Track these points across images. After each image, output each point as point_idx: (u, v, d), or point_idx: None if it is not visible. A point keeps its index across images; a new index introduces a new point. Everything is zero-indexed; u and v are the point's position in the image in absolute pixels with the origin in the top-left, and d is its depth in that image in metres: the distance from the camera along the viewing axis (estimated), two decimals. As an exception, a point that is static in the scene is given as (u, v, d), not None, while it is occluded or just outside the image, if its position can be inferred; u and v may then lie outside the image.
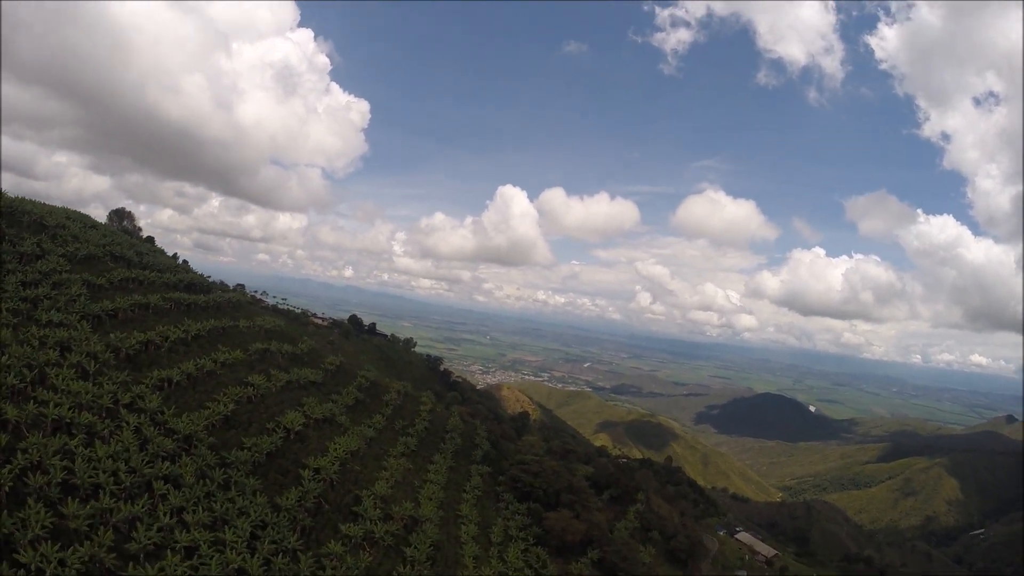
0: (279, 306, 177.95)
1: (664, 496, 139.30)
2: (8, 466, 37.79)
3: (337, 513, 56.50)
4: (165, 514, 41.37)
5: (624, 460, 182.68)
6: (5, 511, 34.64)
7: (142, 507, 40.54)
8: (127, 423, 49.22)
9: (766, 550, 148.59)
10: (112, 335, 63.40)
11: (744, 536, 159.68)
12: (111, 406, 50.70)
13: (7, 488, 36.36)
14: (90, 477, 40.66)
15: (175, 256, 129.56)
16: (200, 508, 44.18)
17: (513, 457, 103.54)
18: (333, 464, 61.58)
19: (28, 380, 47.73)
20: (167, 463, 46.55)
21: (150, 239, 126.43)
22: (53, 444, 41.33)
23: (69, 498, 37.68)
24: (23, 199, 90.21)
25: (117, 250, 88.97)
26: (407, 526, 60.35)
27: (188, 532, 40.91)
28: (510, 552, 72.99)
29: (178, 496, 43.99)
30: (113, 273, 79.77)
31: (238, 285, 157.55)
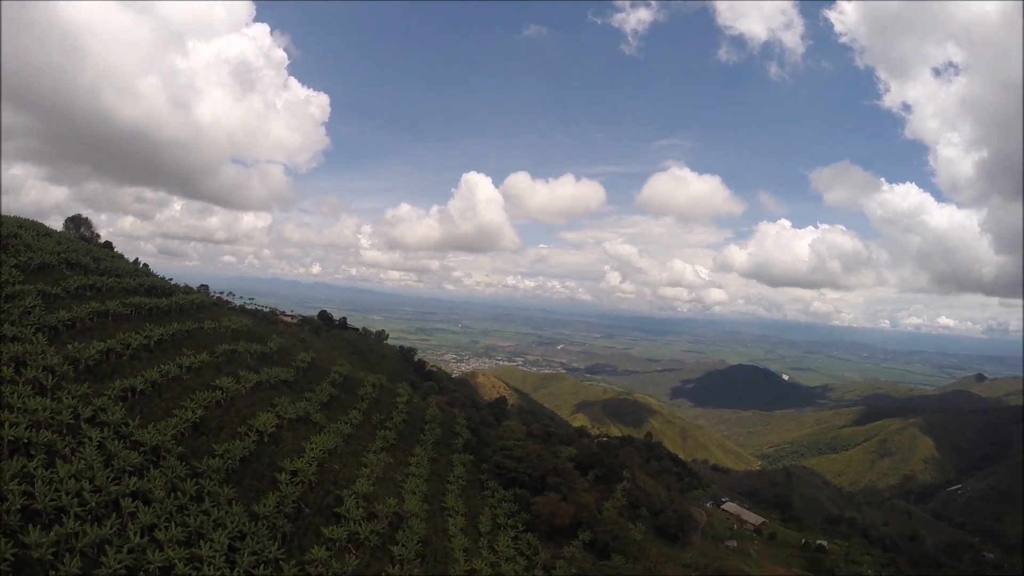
0: (246, 306, 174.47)
1: (648, 472, 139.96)
2: (-39, 494, 35.80)
3: (319, 516, 54.91)
4: (135, 533, 39.42)
5: (605, 439, 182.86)
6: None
7: (110, 528, 38.62)
8: (89, 439, 47.07)
9: (753, 518, 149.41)
10: (70, 346, 61.06)
11: (731, 506, 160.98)
12: (71, 422, 48.45)
13: (-39, 519, 34.34)
14: (52, 500, 38.61)
15: (136, 261, 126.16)
16: (173, 523, 42.31)
17: (495, 444, 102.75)
18: (310, 465, 60.01)
19: (-20, 400, 45.44)
20: (134, 478, 44.55)
21: (108, 244, 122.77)
22: (10, 467, 39.24)
23: (30, 525, 35.67)
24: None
25: (73, 257, 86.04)
26: (392, 523, 59.02)
27: (161, 551, 39.03)
28: (500, 541, 72.14)
29: (148, 513, 42.07)
30: (69, 281, 76.93)
31: (201, 286, 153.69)
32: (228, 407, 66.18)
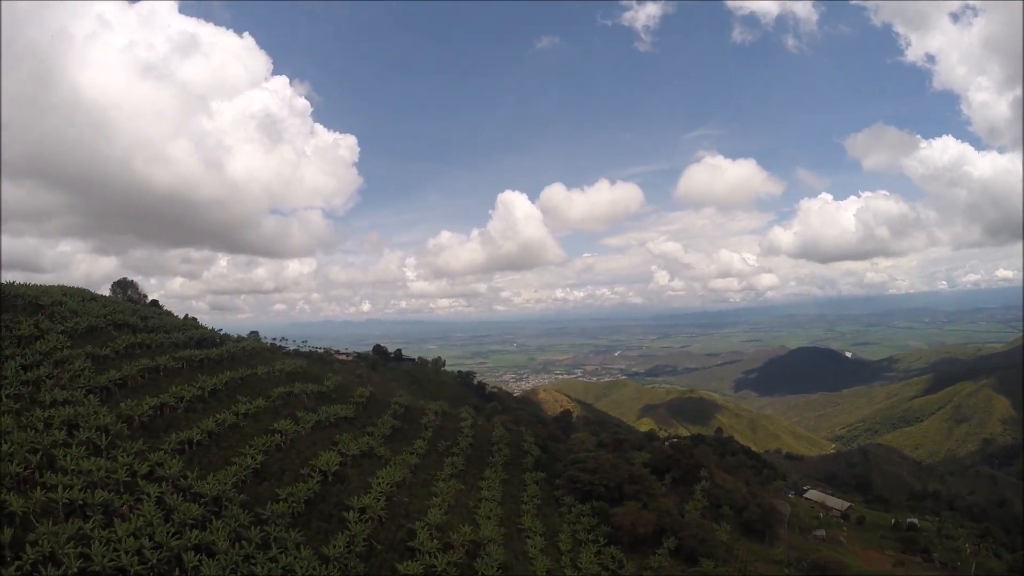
0: (300, 350, 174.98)
1: (725, 468, 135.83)
2: (17, 563, 34.29)
3: (391, 552, 52.40)
4: (200, 588, 37.52)
5: (676, 439, 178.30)
6: (15, 617, 31.12)
7: (173, 585, 36.76)
8: (147, 495, 45.61)
9: (838, 504, 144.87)
10: (123, 404, 60.35)
11: (813, 494, 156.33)
12: (128, 479, 47.20)
13: (15, 590, 32.78)
14: (111, 561, 37.00)
15: (186, 317, 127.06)
16: (239, 575, 40.31)
17: (566, 458, 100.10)
18: (378, 500, 57.87)
19: (33, 465, 44.44)
20: (196, 531, 42.77)
21: (155, 303, 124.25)
22: (66, 530, 37.73)
23: (87, 589, 34.01)
24: (14, 283, 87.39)
25: (119, 318, 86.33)
26: (470, 552, 56.23)
27: (229, 604, 37.01)
28: (582, 557, 68.90)
29: (213, 565, 40.16)
30: (117, 341, 77.06)
31: (251, 333, 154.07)
32: (289, 450, 64.67)
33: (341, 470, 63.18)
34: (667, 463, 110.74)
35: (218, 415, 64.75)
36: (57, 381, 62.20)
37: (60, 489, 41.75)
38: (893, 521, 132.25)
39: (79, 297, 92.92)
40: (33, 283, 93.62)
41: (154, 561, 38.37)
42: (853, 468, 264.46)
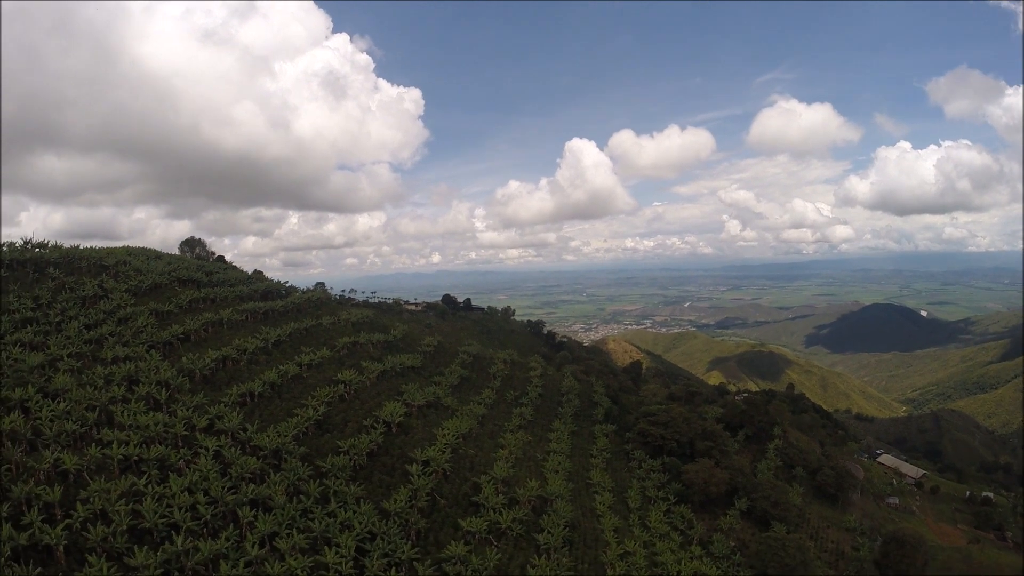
0: (369, 300, 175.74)
1: (799, 427, 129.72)
2: (66, 520, 34.01)
3: (455, 507, 51.07)
4: (254, 544, 36.75)
5: (746, 394, 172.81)
6: (61, 574, 30.72)
7: (226, 542, 36.06)
8: (205, 449, 45.34)
9: (913, 471, 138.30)
10: (184, 359, 60.37)
11: (887, 458, 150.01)
12: (186, 433, 47.06)
13: (62, 547, 32.40)
14: (163, 518, 36.60)
15: (254, 272, 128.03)
16: (295, 531, 39.47)
17: (637, 410, 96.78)
18: (443, 453, 56.56)
19: (91, 423, 44.43)
20: (253, 485, 42.19)
21: (220, 258, 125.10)
22: (119, 487, 37.50)
23: (136, 546, 33.47)
24: (78, 247, 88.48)
25: (183, 274, 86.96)
26: (536, 508, 54.54)
27: (283, 561, 36.14)
28: (651, 516, 66.60)
29: (269, 521, 39.46)
30: (180, 297, 77.42)
31: (317, 284, 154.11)
32: (352, 401, 63.97)
33: (406, 421, 62.13)
34: (740, 419, 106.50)
35: (281, 367, 64.45)
36: (119, 338, 62.63)
37: (115, 445, 41.68)
38: (968, 493, 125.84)
39: (144, 256, 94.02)
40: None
41: (208, 517, 37.83)
42: (924, 434, 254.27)
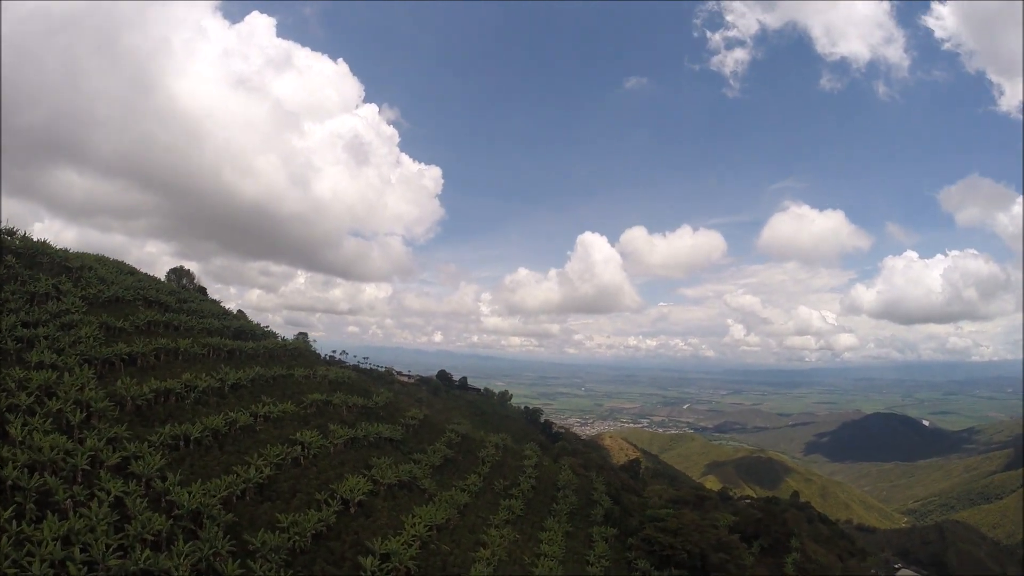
0: (360, 365, 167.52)
1: (815, 539, 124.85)
2: None
3: (414, 619, 41.66)
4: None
5: (750, 500, 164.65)
6: None
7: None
8: (106, 492, 36.70)
9: None
10: (120, 382, 52.17)
11: (905, 573, 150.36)
12: (87, 468, 38.63)
13: None
14: (15, 568, 27.92)
15: (238, 312, 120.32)
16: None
17: (641, 513, 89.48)
18: (410, 547, 47.56)
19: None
20: (149, 552, 33.34)
21: (202, 289, 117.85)
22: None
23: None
24: (44, 241, 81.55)
25: (151, 294, 79.65)
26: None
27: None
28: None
29: (155, 604, 30.43)
30: (139, 316, 69.81)
31: (300, 334, 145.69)
32: (308, 468, 55.20)
33: (369, 501, 53.31)
34: (756, 527, 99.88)
35: (232, 413, 55.99)
36: (52, 344, 54.76)
37: (-12, 465, 33.23)
38: None
39: (115, 269, 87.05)
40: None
41: (75, 584, 29.01)
42: (927, 545, 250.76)
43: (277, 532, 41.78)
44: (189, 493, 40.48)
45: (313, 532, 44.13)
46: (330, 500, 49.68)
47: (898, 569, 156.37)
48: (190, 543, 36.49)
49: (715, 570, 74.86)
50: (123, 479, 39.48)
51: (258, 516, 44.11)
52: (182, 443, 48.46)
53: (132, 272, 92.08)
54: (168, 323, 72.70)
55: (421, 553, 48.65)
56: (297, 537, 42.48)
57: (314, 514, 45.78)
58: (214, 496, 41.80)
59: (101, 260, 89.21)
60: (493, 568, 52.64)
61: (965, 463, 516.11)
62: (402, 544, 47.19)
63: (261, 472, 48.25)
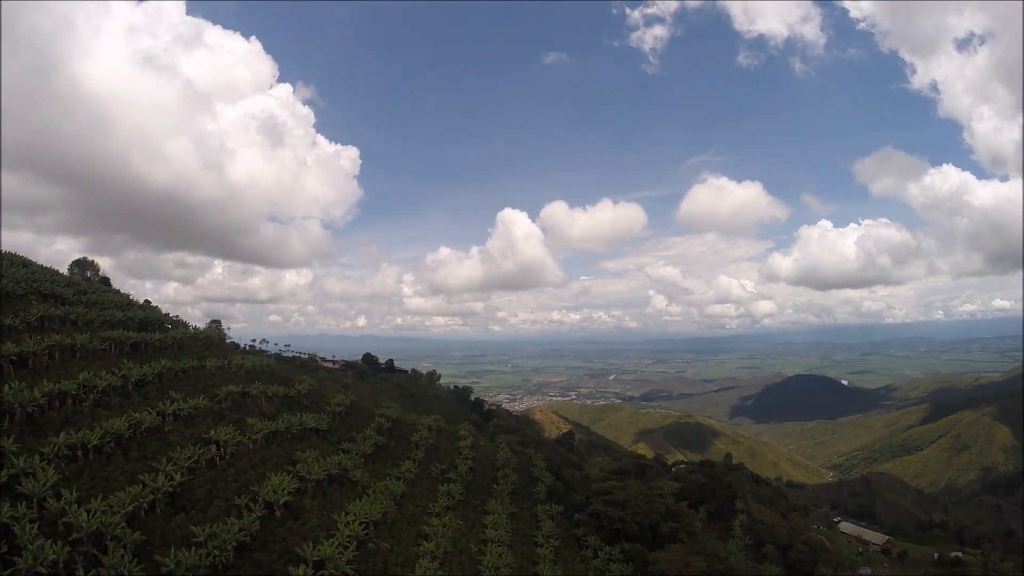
0: (281, 353, 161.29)
1: (759, 499, 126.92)
2: None
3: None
4: None
5: (685, 465, 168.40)
6: None
7: None
8: (-13, 520, 32.23)
9: (877, 538, 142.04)
10: (8, 387, 46.93)
11: (847, 527, 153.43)
12: (-36, 494, 33.87)
13: None
14: None
15: (146, 302, 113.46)
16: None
17: (586, 487, 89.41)
18: (346, 549, 44.46)
19: None
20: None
21: (105, 280, 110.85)
22: None
23: None
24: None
25: (46, 288, 73.58)
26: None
27: None
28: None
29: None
30: (31, 312, 63.85)
31: (212, 322, 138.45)
32: (226, 469, 51.35)
33: (296, 501, 49.78)
34: (700, 493, 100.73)
35: (136, 413, 51.33)
36: (-74, 349, 49.09)
37: None
38: (936, 555, 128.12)
39: (6, 261, 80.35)
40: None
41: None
42: (856, 497, 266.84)
43: (194, 548, 38.03)
44: (88, 512, 36.30)
45: (235, 544, 40.48)
46: (252, 504, 46.04)
47: (838, 522, 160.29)
48: (92, 572, 32.49)
49: (667, 539, 74.00)
50: (10, 502, 35.01)
51: (171, 531, 40.14)
52: (80, 452, 43.94)
53: (25, 264, 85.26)
54: (64, 317, 67.33)
55: (359, 555, 45.82)
56: (217, 552, 38.78)
57: (235, 522, 42.07)
58: (118, 513, 37.73)
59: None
60: (439, 563, 49.94)
61: (884, 419, 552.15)
62: (336, 547, 44.07)
63: (172, 479, 44.15)
